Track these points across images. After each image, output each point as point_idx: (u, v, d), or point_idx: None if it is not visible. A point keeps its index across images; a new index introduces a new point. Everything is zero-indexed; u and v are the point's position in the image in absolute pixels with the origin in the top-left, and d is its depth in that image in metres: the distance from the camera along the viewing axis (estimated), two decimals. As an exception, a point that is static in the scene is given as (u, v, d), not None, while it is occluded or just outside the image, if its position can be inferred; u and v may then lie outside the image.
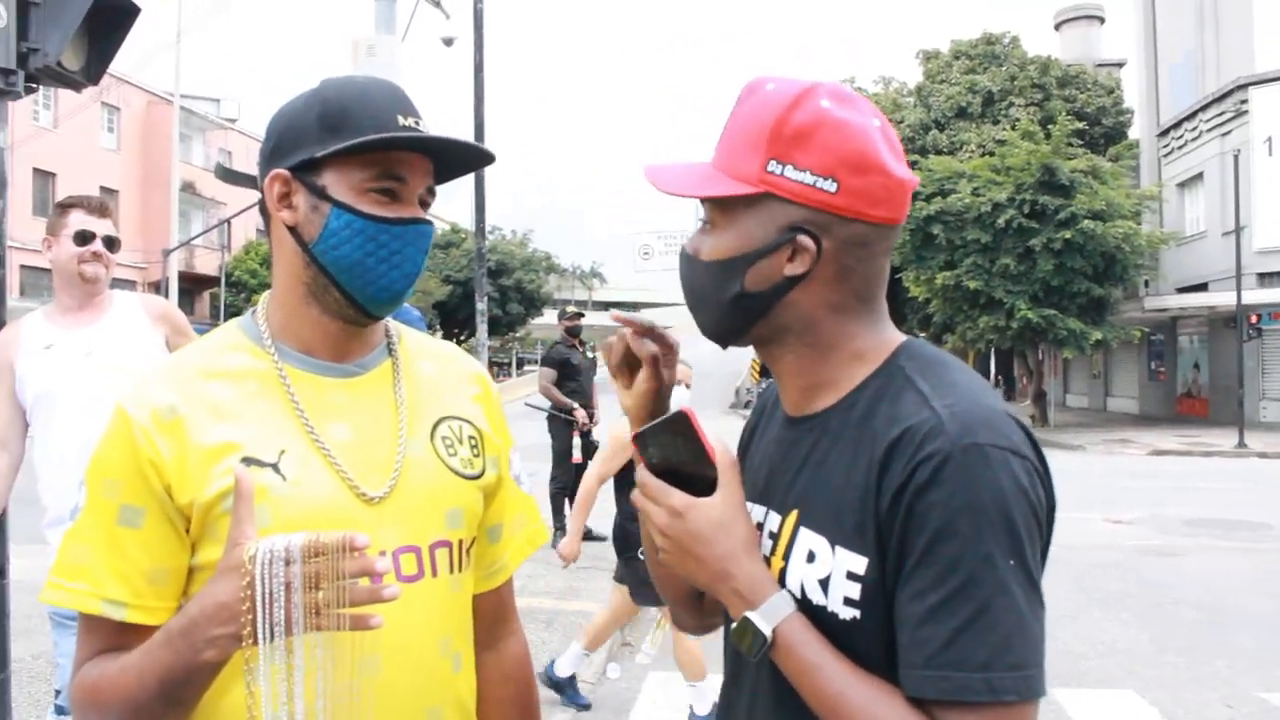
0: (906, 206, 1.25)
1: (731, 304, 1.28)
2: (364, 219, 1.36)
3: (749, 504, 1.36)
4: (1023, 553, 1.10)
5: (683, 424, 1.26)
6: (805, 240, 1.21)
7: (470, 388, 1.60)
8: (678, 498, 1.24)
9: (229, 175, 1.70)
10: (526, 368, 67.63)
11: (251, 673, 1.21)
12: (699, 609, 1.57)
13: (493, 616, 1.64)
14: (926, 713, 1.09)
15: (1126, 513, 12.97)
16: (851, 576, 1.16)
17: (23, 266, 30.20)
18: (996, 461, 1.10)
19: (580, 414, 9.91)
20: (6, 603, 3.71)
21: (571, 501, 10.24)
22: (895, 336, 1.30)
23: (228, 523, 1.25)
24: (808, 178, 1.20)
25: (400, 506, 1.40)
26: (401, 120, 1.38)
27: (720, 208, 1.27)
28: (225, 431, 1.34)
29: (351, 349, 1.47)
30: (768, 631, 1.17)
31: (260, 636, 1.15)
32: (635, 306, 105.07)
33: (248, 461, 1.32)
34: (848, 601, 1.17)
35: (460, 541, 1.48)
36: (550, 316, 53.57)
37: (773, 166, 1.21)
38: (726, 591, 1.22)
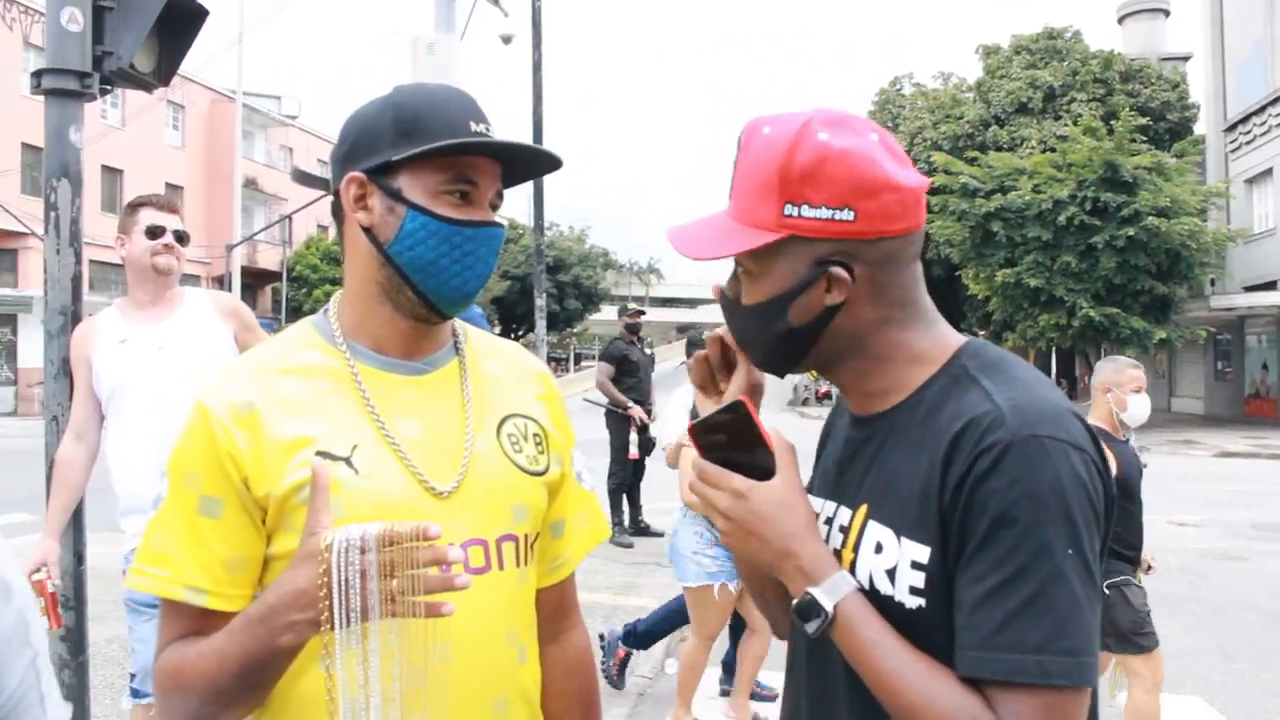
0: (923, 209, 1.28)
1: (780, 341, 1.32)
2: (439, 221, 1.41)
3: (821, 499, 1.42)
4: (1080, 542, 1.13)
5: (739, 413, 1.30)
6: (838, 271, 1.25)
7: (534, 386, 1.64)
8: (739, 481, 1.28)
9: (303, 177, 1.72)
10: (584, 363, 67.90)
11: (329, 657, 1.25)
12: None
13: (556, 610, 1.68)
14: (979, 693, 1.12)
15: (1191, 515, 12.73)
16: (916, 566, 1.20)
17: (92, 262, 30.91)
18: (1055, 453, 1.14)
19: (636, 410, 9.93)
20: (84, 589, 3.82)
21: (629, 498, 10.33)
22: (955, 337, 1.34)
23: (302, 514, 1.31)
24: (824, 213, 1.23)
25: (467, 501, 1.45)
26: (473, 126, 1.43)
27: (749, 257, 1.30)
28: (300, 426, 1.39)
29: (421, 347, 1.51)
30: (829, 606, 1.21)
31: (337, 622, 1.20)
32: (692, 303, 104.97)
33: (321, 455, 1.37)
34: (913, 590, 1.21)
35: (525, 536, 1.52)
36: (607, 312, 53.80)
37: (789, 210, 1.24)
38: (790, 569, 1.26)
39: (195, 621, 1.38)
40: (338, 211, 1.50)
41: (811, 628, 1.22)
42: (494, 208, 1.48)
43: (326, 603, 1.20)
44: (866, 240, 1.24)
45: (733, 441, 1.31)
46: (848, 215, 1.23)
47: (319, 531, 1.24)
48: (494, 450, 1.50)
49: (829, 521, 1.37)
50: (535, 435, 1.58)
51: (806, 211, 1.23)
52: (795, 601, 1.25)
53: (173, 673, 1.36)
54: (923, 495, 1.21)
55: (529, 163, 1.52)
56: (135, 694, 3.52)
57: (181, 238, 3.70)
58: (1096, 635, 1.14)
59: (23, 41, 34.39)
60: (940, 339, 1.33)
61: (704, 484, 1.31)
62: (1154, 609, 4.60)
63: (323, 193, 1.54)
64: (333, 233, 46.09)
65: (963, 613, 1.15)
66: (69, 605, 3.72)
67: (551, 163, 1.51)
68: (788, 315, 1.29)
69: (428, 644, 1.33)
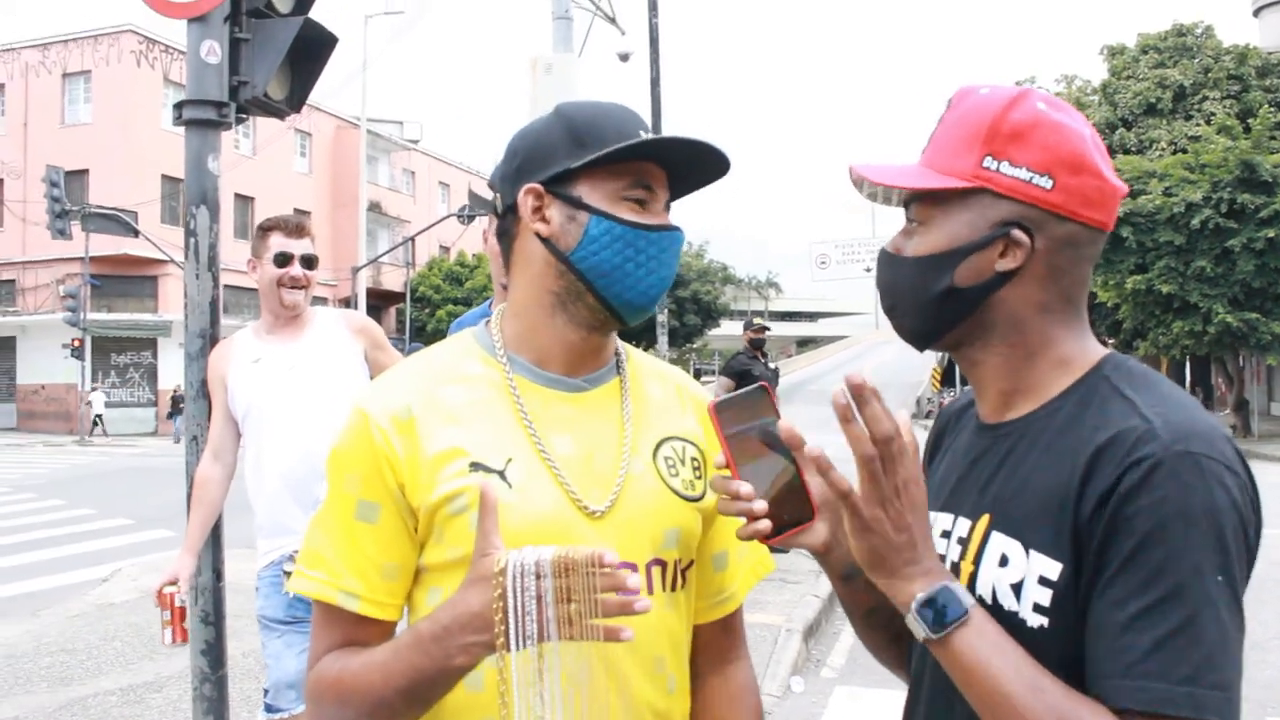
0: (1115, 214, 1.26)
1: (938, 300, 1.26)
2: (624, 225, 1.41)
3: (934, 513, 1.34)
4: (1230, 570, 1.06)
5: (763, 399, 1.30)
6: (1020, 235, 1.21)
7: (693, 408, 1.61)
8: (911, 470, 1.16)
9: (480, 202, 1.75)
10: (704, 378, 67.85)
11: (505, 683, 1.22)
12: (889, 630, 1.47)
13: (720, 644, 1.63)
14: None
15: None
16: (1044, 582, 1.15)
17: (226, 286, 31.96)
18: (1210, 472, 1.07)
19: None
20: (223, 604, 3.93)
21: None
22: (1099, 348, 1.28)
23: (452, 526, 1.33)
24: (1024, 174, 1.21)
25: (620, 522, 1.42)
26: (643, 134, 1.43)
27: (931, 204, 1.27)
28: (454, 436, 1.39)
29: (585, 363, 1.50)
30: (967, 605, 1.12)
31: (513, 645, 1.19)
32: (812, 316, 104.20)
33: (475, 467, 1.37)
34: (1037, 608, 1.15)
35: (676, 562, 1.49)
36: (727, 327, 53.61)
37: (988, 162, 1.22)
38: (914, 571, 1.15)
39: (349, 629, 1.38)
40: (506, 228, 1.49)
41: (934, 632, 1.12)
42: (667, 210, 1.48)
43: (503, 627, 1.19)
44: (1056, 215, 1.21)
45: (752, 424, 1.29)
46: (1046, 182, 1.20)
47: (491, 553, 1.22)
48: (649, 472, 1.48)
49: (945, 535, 1.31)
50: (693, 460, 1.55)
51: (1006, 169, 1.21)
52: (925, 596, 1.14)
53: (332, 684, 1.35)
54: (1058, 508, 1.14)
55: (694, 173, 1.50)
56: (269, 709, 3.59)
57: (310, 262, 3.76)
58: (1240, 670, 1.06)
59: (163, 79, 36.10)
60: (1087, 348, 1.27)
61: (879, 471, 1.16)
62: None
63: (485, 214, 1.56)
64: (454, 254, 47.07)
65: (1103, 637, 1.08)
66: (208, 620, 3.82)
67: (718, 169, 1.49)
68: (954, 273, 1.24)
69: (574, 669, 1.30)
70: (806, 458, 1.21)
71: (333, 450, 1.43)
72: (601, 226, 1.41)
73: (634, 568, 1.40)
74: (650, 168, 1.44)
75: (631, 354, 1.61)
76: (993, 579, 1.20)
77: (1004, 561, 1.19)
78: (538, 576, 1.18)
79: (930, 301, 1.27)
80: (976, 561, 1.23)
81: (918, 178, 1.27)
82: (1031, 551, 1.16)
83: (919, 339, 1.34)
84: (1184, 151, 28.50)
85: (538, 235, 1.44)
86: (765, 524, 1.25)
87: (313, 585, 1.39)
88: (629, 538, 1.42)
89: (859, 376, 1.16)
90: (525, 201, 1.44)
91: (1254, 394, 31.36)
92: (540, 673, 1.25)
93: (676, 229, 1.47)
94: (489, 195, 1.58)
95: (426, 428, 1.39)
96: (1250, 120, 27.57)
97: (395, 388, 1.44)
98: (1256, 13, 41.38)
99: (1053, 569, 1.14)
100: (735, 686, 1.64)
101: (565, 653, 1.26)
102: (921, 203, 1.28)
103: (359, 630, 1.38)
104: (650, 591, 1.44)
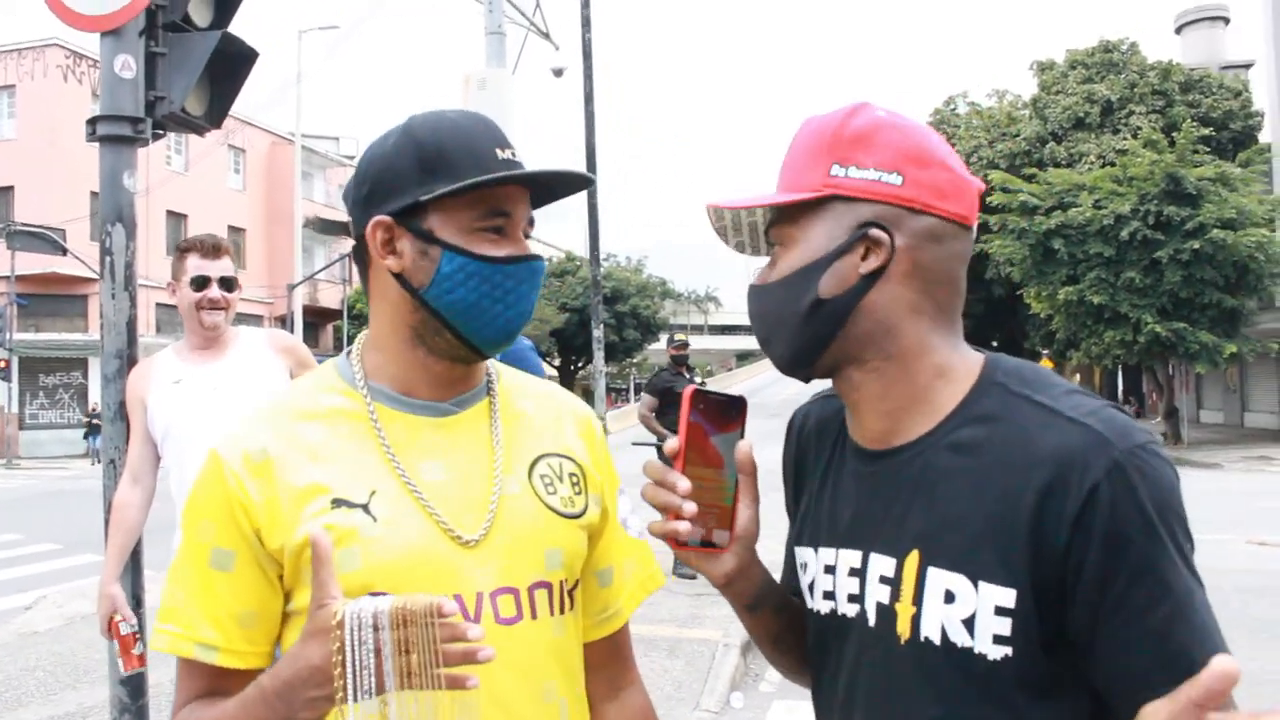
0: (976, 209, 1.25)
1: (806, 316, 1.23)
2: (478, 261, 1.34)
3: (820, 548, 1.33)
4: (1190, 539, 1.11)
5: (739, 412, 1.30)
6: (877, 233, 1.20)
7: (572, 424, 1.56)
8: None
9: (326, 227, 1.64)
10: (644, 394, 67.97)
11: None
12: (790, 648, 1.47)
13: (610, 666, 1.59)
14: None
15: (1271, 535, 12.35)
16: (1001, 611, 1.11)
17: (157, 304, 31.61)
18: (1155, 457, 1.10)
19: (672, 443, 9.84)
20: (145, 630, 3.82)
21: None
22: (976, 354, 1.26)
23: None
24: (871, 174, 1.20)
25: (496, 547, 1.37)
26: (500, 154, 1.36)
27: (788, 223, 1.26)
28: (315, 473, 1.33)
29: (454, 387, 1.44)
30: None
31: (351, 697, 1.14)
32: (751, 329, 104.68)
33: (337, 503, 1.31)
34: (997, 639, 1.12)
35: (561, 582, 1.43)
36: (667, 342, 53.46)
37: (835, 170, 1.22)
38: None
39: (210, 680, 1.33)
40: (360, 255, 1.42)
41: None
42: (526, 236, 1.42)
43: (342, 682, 1.14)
44: (911, 209, 1.20)
45: (718, 428, 1.28)
46: (895, 179, 1.20)
47: (328, 603, 1.17)
48: (525, 492, 1.42)
49: (856, 573, 1.26)
50: (571, 475, 1.49)
51: (854, 173, 1.21)
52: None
53: None
54: (1003, 534, 1.11)
55: (560, 186, 1.46)
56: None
57: (229, 283, 3.69)
58: None
59: (91, 94, 35.44)
60: (965, 355, 1.25)
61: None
62: (1237, 633, 4.42)
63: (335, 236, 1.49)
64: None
65: (1143, 653, 1.06)
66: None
67: (582, 182, 1.44)
68: (819, 283, 1.22)
69: (454, 705, 1.24)
70: (745, 487, 1.22)
71: (188, 498, 1.37)
72: (455, 263, 1.34)
73: (515, 593, 1.37)
74: (509, 190, 1.37)
75: (503, 373, 1.55)
76: (941, 618, 1.16)
77: (950, 598, 1.15)
78: (375, 629, 1.14)
79: (799, 319, 1.24)
80: (917, 602, 1.18)
81: (768, 198, 1.26)
82: (980, 583, 1.12)
83: (796, 366, 1.30)
84: (1112, 165, 29.05)
85: (389, 270, 1.37)
86: (685, 526, 1.23)
87: (168, 640, 1.32)
88: (508, 563, 1.37)
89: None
90: (374, 236, 1.37)
91: (1183, 402, 32.02)
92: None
93: (536, 259, 1.40)
94: (336, 217, 1.51)
95: (284, 468, 1.32)
96: (1174, 134, 28.19)
97: (251, 428, 1.37)
98: (1179, 30, 42.50)
99: (1007, 596, 1.11)
100: (630, 713, 1.59)
101: (410, 701, 1.19)
102: (779, 225, 1.27)
103: (220, 681, 1.32)
104: (535, 616, 1.39)
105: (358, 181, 1.41)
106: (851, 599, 1.27)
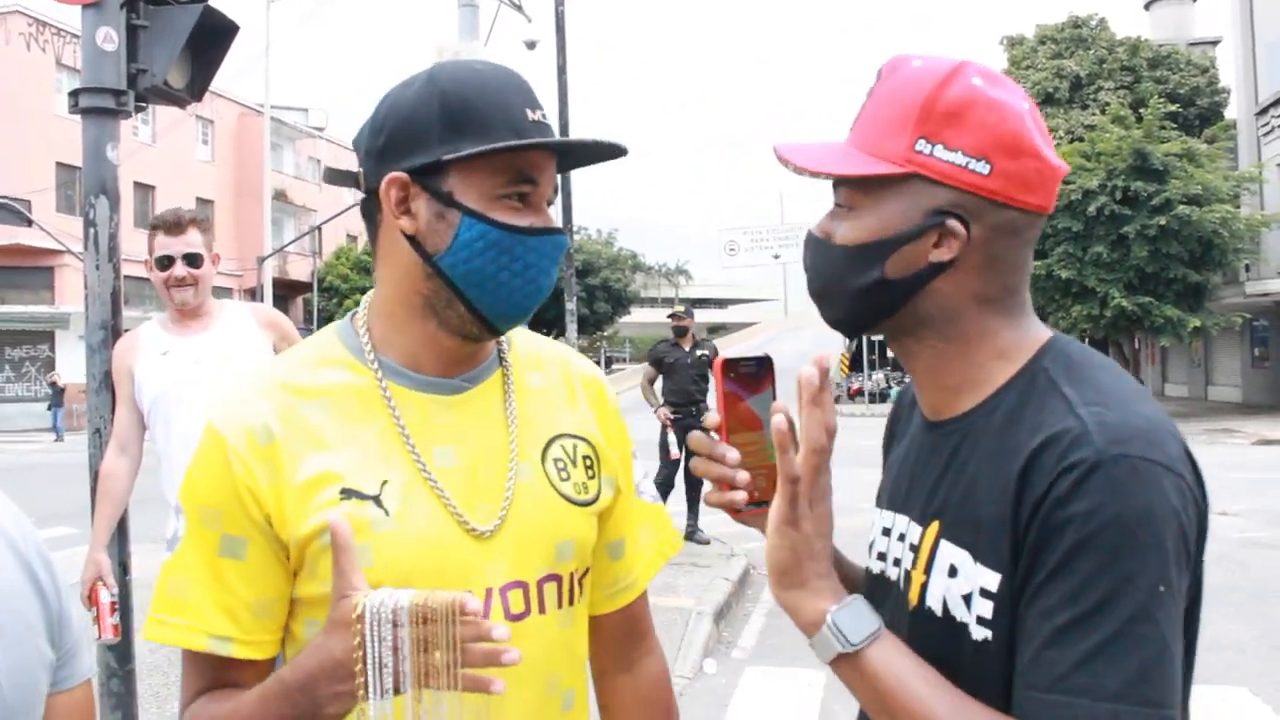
0: (1055, 195, 1.18)
1: (867, 291, 1.18)
2: (500, 229, 1.25)
3: (883, 511, 1.32)
4: (1170, 579, 1.00)
5: (767, 371, 1.25)
6: (954, 225, 1.13)
7: (584, 393, 1.47)
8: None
9: (336, 176, 1.60)
10: (614, 366, 67.87)
11: None
12: None
13: (625, 637, 1.53)
14: None
15: (1232, 504, 12.58)
16: (985, 594, 1.09)
17: (127, 277, 31.04)
18: (1147, 476, 1.01)
19: (661, 413, 10.03)
20: (130, 598, 3.87)
21: (689, 502, 10.37)
22: (1041, 333, 1.21)
23: (326, 560, 1.19)
24: (959, 158, 1.12)
25: (509, 541, 1.30)
26: (530, 115, 1.26)
27: (860, 189, 1.18)
28: (324, 460, 1.25)
29: (464, 362, 1.35)
30: (879, 620, 1.10)
31: (371, 694, 1.11)
32: (722, 303, 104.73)
33: (347, 494, 1.24)
34: (980, 621, 1.09)
35: (571, 574, 1.38)
36: (638, 314, 53.66)
37: (921, 145, 1.13)
38: (828, 588, 1.13)
39: (220, 672, 1.26)
40: (370, 212, 1.32)
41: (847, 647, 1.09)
42: (549, 204, 1.33)
43: (363, 679, 1.11)
44: (994, 201, 1.13)
45: (750, 391, 1.24)
46: (983, 168, 1.12)
47: (350, 594, 1.12)
48: (538, 480, 1.35)
49: (887, 533, 1.28)
50: (585, 458, 1.42)
51: (940, 152, 1.13)
52: (839, 608, 1.10)
53: None
54: (997, 516, 1.08)
55: (589, 153, 1.36)
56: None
57: (193, 259, 3.69)
58: (1179, 686, 1.00)
59: (55, 63, 34.85)
60: (1027, 334, 1.19)
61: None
62: (1195, 598, 4.55)
63: (354, 190, 1.36)
64: (363, 242, 46.30)
65: (1029, 648, 1.02)
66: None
67: (613, 153, 1.34)
68: (885, 264, 1.16)
69: (459, 700, 1.18)
70: (775, 431, 1.13)
71: (185, 479, 1.29)
72: (475, 230, 1.24)
73: (525, 587, 1.32)
74: (538, 156, 1.27)
75: (514, 341, 1.45)
76: (943, 590, 1.14)
77: (953, 572, 1.13)
78: (395, 625, 1.10)
79: (859, 293, 1.19)
80: (928, 571, 1.17)
81: (844, 162, 1.18)
82: (978, 563, 1.10)
83: (848, 327, 1.27)
84: (1081, 140, 29.23)
85: (402, 231, 1.27)
86: (742, 495, 1.20)
87: (176, 633, 1.24)
88: (520, 556, 1.31)
89: (826, 362, 1.14)
90: (388, 193, 1.26)
91: (1149, 375, 32.41)
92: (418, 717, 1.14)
93: (559, 231, 1.31)
94: (349, 165, 1.38)
95: (291, 451, 1.25)
96: (1142, 110, 28.41)
97: (251, 404, 1.28)
98: (1147, 6, 42.71)
99: (992, 580, 1.08)
100: (645, 685, 1.54)
101: (434, 700, 1.14)
102: (850, 187, 1.19)
103: (232, 673, 1.26)
104: (543, 611, 1.33)
105: (373, 129, 1.30)
106: (896, 562, 1.26)
